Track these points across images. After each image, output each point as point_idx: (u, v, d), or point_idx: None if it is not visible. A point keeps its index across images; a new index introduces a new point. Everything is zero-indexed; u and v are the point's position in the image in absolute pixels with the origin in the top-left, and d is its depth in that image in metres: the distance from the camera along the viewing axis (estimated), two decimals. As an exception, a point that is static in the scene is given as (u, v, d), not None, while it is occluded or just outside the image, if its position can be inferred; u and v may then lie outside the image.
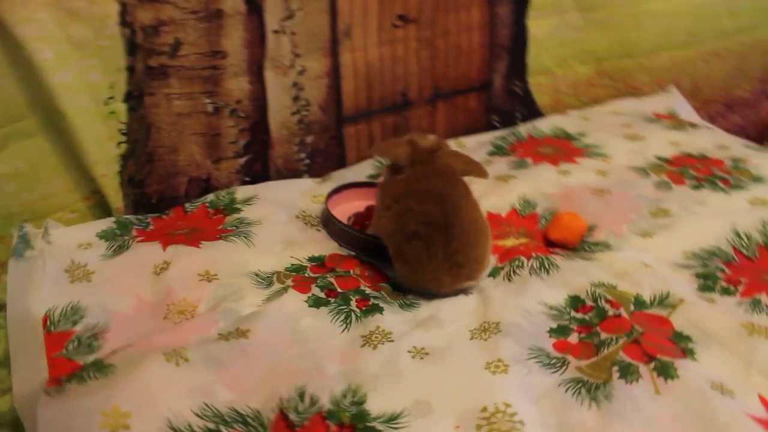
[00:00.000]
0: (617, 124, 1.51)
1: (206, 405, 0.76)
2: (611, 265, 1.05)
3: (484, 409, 0.76)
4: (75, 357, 0.84)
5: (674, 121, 1.54)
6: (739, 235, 1.11)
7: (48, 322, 0.88)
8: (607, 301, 0.95)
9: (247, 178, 1.23)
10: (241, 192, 1.18)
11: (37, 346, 0.84)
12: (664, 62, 1.65)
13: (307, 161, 1.28)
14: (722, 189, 1.24)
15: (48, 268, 0.95)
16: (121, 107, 1.06)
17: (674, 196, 1.22)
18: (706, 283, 1.01)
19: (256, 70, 1.15)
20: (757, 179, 1.27)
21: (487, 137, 1.45)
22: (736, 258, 1.07)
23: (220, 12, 1.07)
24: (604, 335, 0.89)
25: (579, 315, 0.94)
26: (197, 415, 0.75)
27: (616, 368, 0.83)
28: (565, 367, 0.85)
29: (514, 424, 0.74)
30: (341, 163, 1.32)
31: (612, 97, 1.63)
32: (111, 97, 1.05)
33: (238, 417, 0.76)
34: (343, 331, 0.91)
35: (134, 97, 1.06)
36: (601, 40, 1.53)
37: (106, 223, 1.07)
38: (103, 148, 1.06)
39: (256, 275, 1.00)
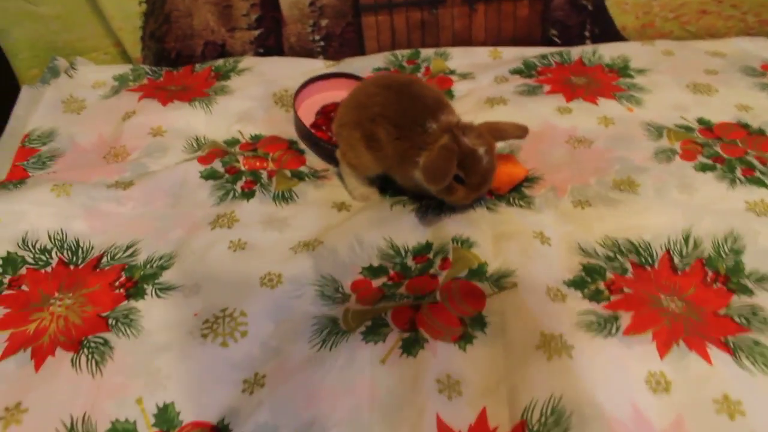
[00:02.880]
0: (700, 69, 1.23)
1: (62, 230, 0.97)
2: (504, 223, 0.97)
3: (224, 310, 0.85)
4: (28, 169, 1.11)
5: (785, 78, 1.20)
6: (686, 240, 0.92)
7: (26, 138, 1.16)
8: (444, 258, 0.91)
9: (261, 50, 1.33)
10: (246, 62, 1.30)
11: (11, 154, 1.13)
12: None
13: (322, 43, 1.32)
14: (732, 179, 1.00)
15: (47, 97, 1.21)
16: (139, -30, 1.23)
17: (661, 171, 1.03)
18: (582, 278, 0.89)
19: (264, -52, 1.21)
20: (795, 179, 0.99)
21: (531, 52, 1.31)
22: (655, 264, 0.91)
23: None
24: (402, 290, 0.88)
25: (412, 263, 0.93)
26: (49, 235, 0.96)
27: (368, 323, 0.83)
28: (340, 305, 0.87)
29: (238, 328, 0.83)
30: (360, 51, 1.33)
31: (737, 32, 1.30)
32: (130, -39, 1.22)
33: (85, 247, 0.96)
34: (212, 205, 1.04)
35: (150, -38, 1.22)
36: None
37: (124, 69, 1.29)
38: (125, 6, 1.25)
39: (196, 140, 1.15)
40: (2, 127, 1.17)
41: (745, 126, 1.10)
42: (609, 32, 1.32)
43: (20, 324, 0.85)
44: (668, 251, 0.91)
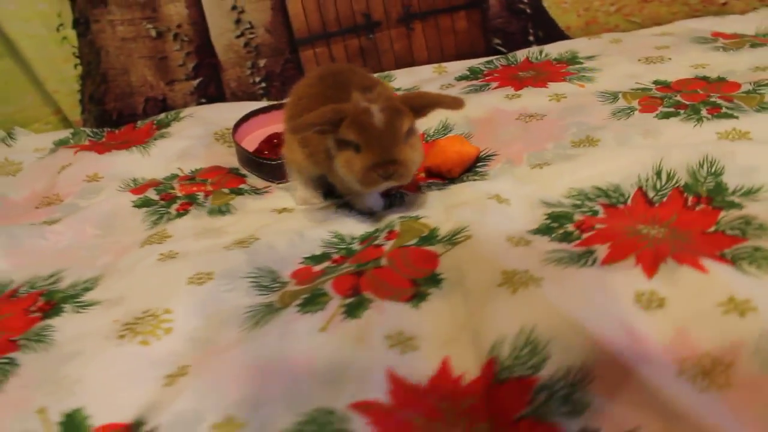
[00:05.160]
0: (650, 47, 1.20)
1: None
2: (456, 194, 0.88)
3: (146, 312, 0.74)
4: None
5: (734, 41, 1.15)
6: (659, 173, 0.83)
7: (-48, 201, 1.10)
8: (390, 231, 0.82)
9: (203, 100, 1.31)
10: (188, 111, 1.27)
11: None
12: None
13: (263, 85, 1.30)
14: (697, 118, 0.92)
15: (-19, 162, 1.17)
16: (71, 33, 1.23)
17: (621, 125, 0.95)
18: (549, 224, 0.79)
19: (192, -5, 1.22)
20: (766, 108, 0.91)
21: (477, 62, 1.28)
22: (629, 201, 0.81)
23: (146, -62, 1.16)
24: (346, 265, 0.78)
25: (359, 247, 0.83)
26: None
27: (306, 296, 0.72)
28: (274, 292, 0.76)
29: (160, 325, 0.72)
30: (303, 88, 1.30)
31: (683, 17, 1.28)
32: (61, 24, 1.21)
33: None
34: (145, 230, 0.95)
35: (81, 24, 1.22)
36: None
37: (64, 134, 1.26)
38: (60, 69, 1.24)
39: (133, 180, 1.08)
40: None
41: (703, 78, 1.04)
42: (553, 34, 1.30)
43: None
44: (640, 188, 0.82)
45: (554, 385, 0.56)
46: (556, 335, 0.59)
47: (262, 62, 1.28)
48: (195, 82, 1.29)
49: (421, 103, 0.82)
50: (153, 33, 1.24)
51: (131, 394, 0.66)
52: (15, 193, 1.10)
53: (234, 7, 1.23)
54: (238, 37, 1.26)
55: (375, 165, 0.77)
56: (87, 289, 0.82)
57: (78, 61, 1.25)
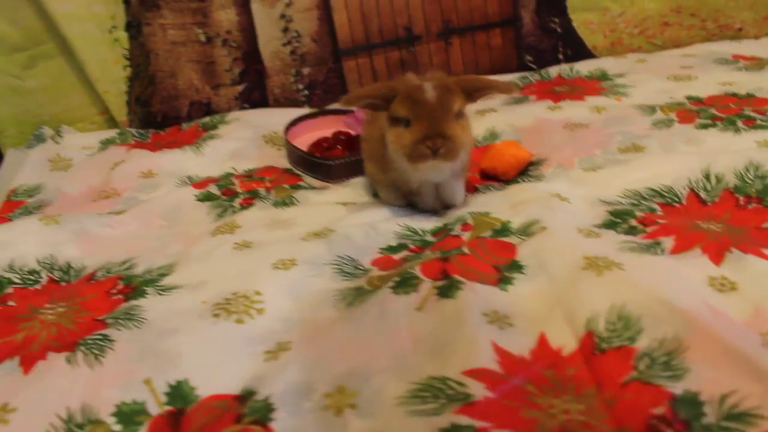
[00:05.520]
0: (675, 66, 1.28)
1: (51, 255, 0.90)
2: (517, 194, 0.93)
3: (235, 293, 0.77)
4: (14, 219, 1.05)
5: (755, 62, 1.24)
6: (707, 176, 0.90)
7: (12, 193, 1.11)
8: (464, 223, 0.86)
9: (246, 105, 1.35)
10: (233, 115, 1.31)
11: (-2, 207, 1.08)
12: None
13: (306, 92, 1.35)
14: (734, 129, 0.99)
15: (34, 158, 1.19)
16: (123, 35, 1.26)
17: (664, 134, 1.02)
18: (612, 220, 0.85)
19: (242, 2, 1.26)
20: (799, 120, 0.99)
21: (512, 77, 1.34)
22: (683, 200, 0.87)
23: (202, -52, 1.21)
24: (428, 252, 0.82)
25: (432, 239, 0.87)
26: (37, 260, 0.89)
27: (397, 279, 0.76)
28: (359, 278, 0.80)
29: (253, 305, 0.75)
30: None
31: (701, 40, 1.37)
32: (114, 26, 1.25)
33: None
34: (211, 222, 0.98)
35: (133, 27, 1.25)
36: (670, -34, 1.31)
37: (110, 134, 1.29)
38: (110, 70, 1.27)
39: (188, 178, 1.11)
40: (-15, 190, 1.12)
41: (733, 95, 1.12)
42: (581, 52, 1.37)
43: (6, 335, 0.75)
44: (692, 189, 0.88)
45: (653, 353, 0.61)
46: (646, 311, 0.64)
47: (306, 70, 1.33)
48: (240, 88, 1.33)
49: (474, 86, 0.83)
50: (202, 38, 1.28)
51: (233, 367, 0.69)
52: (71, 187, 1.12)
53: (282, 16, 1.28)
54: (284, 44, 1.30)
55: (424, 137, 0.79)
56: (163, 275, 0.85)
57: (127, 62, 1.28)
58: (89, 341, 0.72)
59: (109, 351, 0.71)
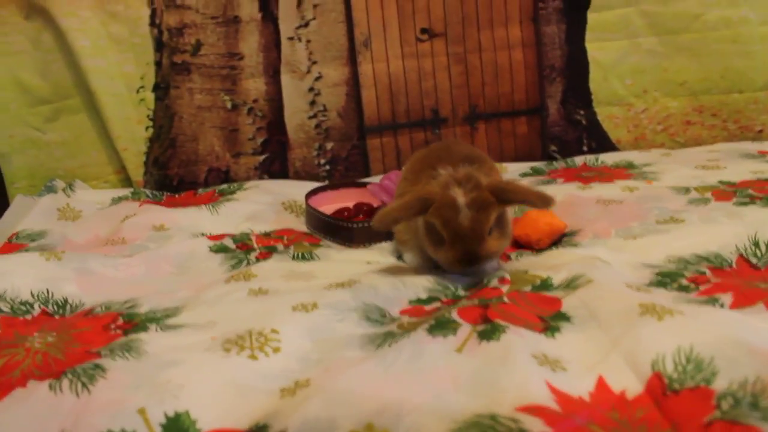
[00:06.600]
0: (702, 159, 1.26)
1: (47, 290, 0.83)
2: (553, 258, 0.88)
3: (250, 330, 0.69)
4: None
5: (783, 158, 1.23)
6: (756, 243, 0.84)
7: (14, 236, 1.05)
8: (501, 279, 0.80)
9: (265, 176, 1.32)
10: (252, 183, 1.27)
11: (-4, 250, 1.01)
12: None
13: (327, 167, 1.32)
14: (777, 206, 0.96)
15: (42, 205, 1.14)
16: (150, 96, 1.26)
17: (702, 209, 0.98)
18: (662, 279, 0.78)
19: (272, 73, 1.27)
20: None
21: (537, 164, 1.33)
22: (733, 264, 0.81)
23: (237, 18, 1.23)
24: (464, 301, 0.75)
25: (464, 293, 0.80)
26: (32, 292, 0.82)
27: (432, 322, 0.68)
28: (387, 325, 0.72)
29: (268, 343, 0.67)
30: (365, 174, 1.33)
31: (722, 140, 1.37)
32: (142, 87, 1.25)
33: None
34: (225, 272, 0.92)
35: (161, 88, 1.26)
36: (692, 69, 1.33)
37: (124, 192, 1.25)
38: (132, 129, 1.26)
39: (201, 234, 1.06)
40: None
41: (766, 180, 1.09)
42: (605, 145, 1.37)
43: (-16, 360, 0.67)
44: (741, 255, 0.83)
45: (736, 394, 0.53)
46: (718, 352, 0.57)
47: (329, 145, 1.32)
48: (261, 157, 1.31)
49: (509, 198, 0.81)
50: (228, 104, 1.28)
51: (243, 402, 0.61)
52: (77, 235, 1.07)
53: (311, 89, 1.28)
54: (310, 117, 1.30)
55: (458, 261, 0.79)
56: (168, 316, 0.77)
57: (150, 123, 1.27)
58: (78, 370, 0.64)
59: (100, 380, 0.63)
